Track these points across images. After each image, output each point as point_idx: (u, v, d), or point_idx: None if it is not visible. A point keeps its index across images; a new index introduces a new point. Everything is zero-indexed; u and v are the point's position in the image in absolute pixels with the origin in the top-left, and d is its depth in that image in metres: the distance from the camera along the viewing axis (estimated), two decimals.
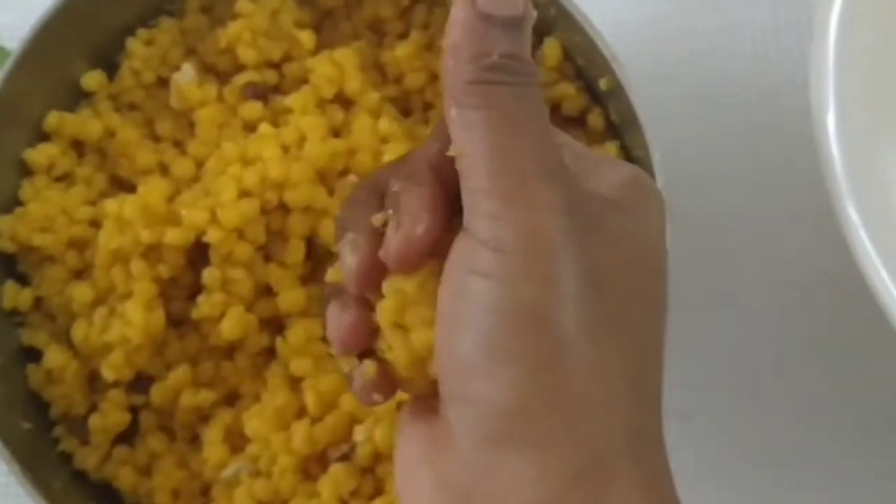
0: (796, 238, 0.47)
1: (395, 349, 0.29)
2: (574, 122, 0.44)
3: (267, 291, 0.42)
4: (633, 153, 0.42)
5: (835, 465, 0.46)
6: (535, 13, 0.28)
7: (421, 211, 0.28)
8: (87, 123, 0.44)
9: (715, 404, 0.47)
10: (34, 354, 0.43)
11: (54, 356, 0.42)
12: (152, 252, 0.41)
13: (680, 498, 0.43)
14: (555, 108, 0.44)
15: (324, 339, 0.41)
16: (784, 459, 0.46)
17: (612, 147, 0.43)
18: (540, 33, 0.44)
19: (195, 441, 0.42)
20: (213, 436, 0.41)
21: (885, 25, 0.42)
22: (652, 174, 0.39)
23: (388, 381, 0.30)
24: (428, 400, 0.30)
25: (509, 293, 0.26)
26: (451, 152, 0.27)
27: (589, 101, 0.44)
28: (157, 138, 0.45)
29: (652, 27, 0.49)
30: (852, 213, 0.39)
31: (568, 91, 0.44)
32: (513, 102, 0.27)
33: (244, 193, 0.41)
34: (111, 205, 0.41)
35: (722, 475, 0.46)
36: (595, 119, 0.44)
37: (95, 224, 0.43)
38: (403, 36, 0.45)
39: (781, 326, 0.47)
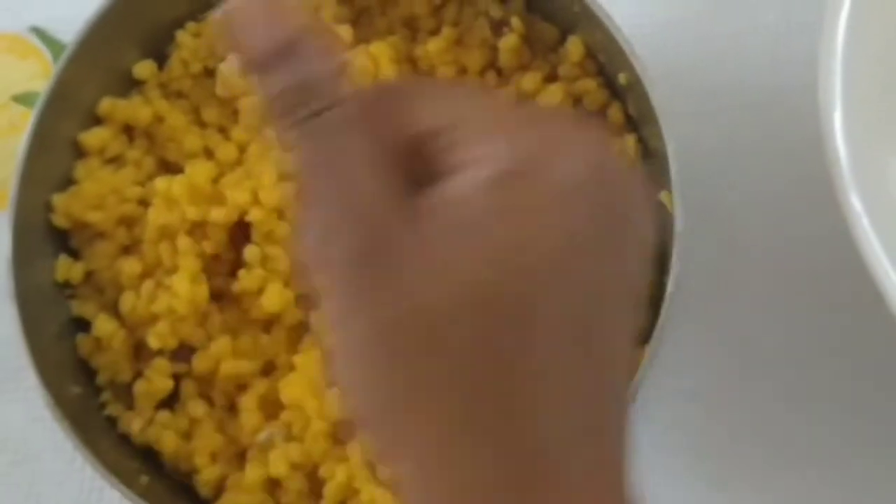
0: (803, 231, 0.49)
1: None
2: (594, 116, 0.47)
3: (304, 269, 0.44)
4: (650, 145, 0.45)
5: (835, 448, 0.48)
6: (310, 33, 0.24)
7: None
8: (137, 109, 0.47)
9: (720, 386, 0.49)
10: (84, 324, 0.46)
11: (103, 326, 0.45)
12: (198, 229, 0.44)
13: (683, 472, 0.46)
14: (576, 102, 0.46)
15: None
16: (785, 440, 0.48)
17: (630, 139, 0.46)
18: (564, 31, 0.47)
19: (233, 408, 0.45)
20: (249, 403, 0.44)
21: (892, 26, 0.44)
22: (667, 163, 0.42)
23: None
24: None
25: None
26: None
27: (609, 96, 0.47)
28: (203, 124, 0.47)
29: (667, 31, 0.51)
30: (855, 203, 0.41)
31: (589, 86, 0.46)
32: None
33: (284, 176, 0.44)
34: (161, 183, 0.44)
35: (725, 453, 0.48)
36: (615, 113, 0.46)
37: (144, 203, 0.45)
38: (435, 32, 0.47)
39: (785, 314, 0.49)
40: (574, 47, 0.46)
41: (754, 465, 0.48)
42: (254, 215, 0.43)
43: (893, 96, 0.44)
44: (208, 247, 0.44)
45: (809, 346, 0.49)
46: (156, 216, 0.44)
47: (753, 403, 0.48)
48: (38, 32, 0.54)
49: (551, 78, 0.47)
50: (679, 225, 0.42)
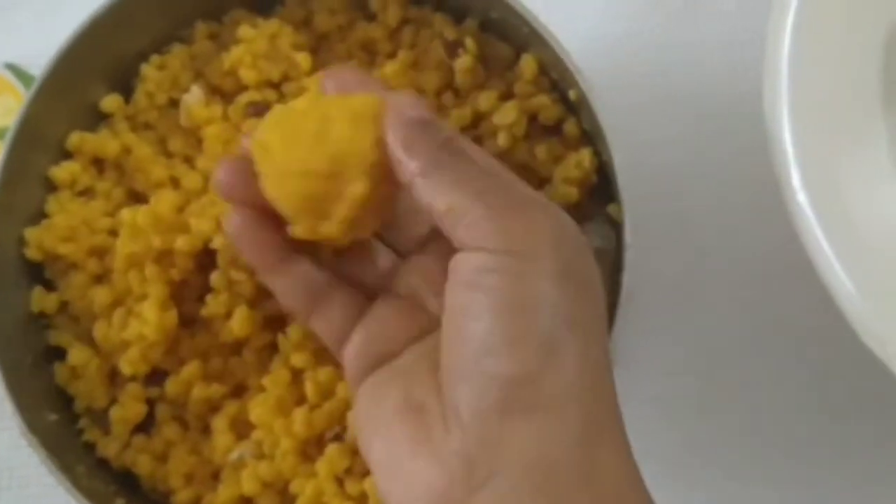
0: (760, 235, 0.50)
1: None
2: (551, 131, 0.48)
3: (269, 292, 0.45)
4: (604, 157, 0.46)
5: (799, 446, 0.49)
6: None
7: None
8: (105, 142, 0.48)
9: (688, 390, 0.50)
10: (60, 353, 0.47)
11: (78, 354, 0.46)
12: (164, 257, 0.45)
13: (658, 473, 0.47)
14: (532, 118, 0.48)
15: None
16: (753, 440, 0.49)
17: (586, 153, 0.47)
18: (518, 49, 0.48)
19: (206, 430, 0.46)
20: (221, 424, 0.45)
21: (837, 29, 0.45)
22: (615, 177, 0.43)
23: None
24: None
25: (522, 285, 0.32)
26: (440, 208, 0.34)
27: (564, 111, 0.48)
28: (169, 154, 0.48)
29: (627, 42, 0.53)
30: (801, 199, 0.42)
31: (544, 102, 0.47)
32: (467, 162, 0.35)
33: None
34: (126, 214, 0.45)
35: (697, 455, 0.50)
36: (570, 127, 0.47)
37: (114, 233, 0.46)
38: (392, 55, 0.48)
39: (748, 318, 0.50)
40: (527, 65, 0.47)
41: (720, 470, 0.49)
42: (218, 242, 0.44)
43: (839, 98, 0.45)
44: (175, 274, 0.45)
45: (772, 350, 0.50)
46: (123, 246, 0.45)
47: (718, 408, 0.50)
48: (13, 69, 0.56)
49: (507, 96, 0.48)
50: (628, 237, 0.43)
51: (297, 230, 0.37)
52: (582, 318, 0.33)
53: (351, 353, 0.38)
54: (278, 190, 0.37)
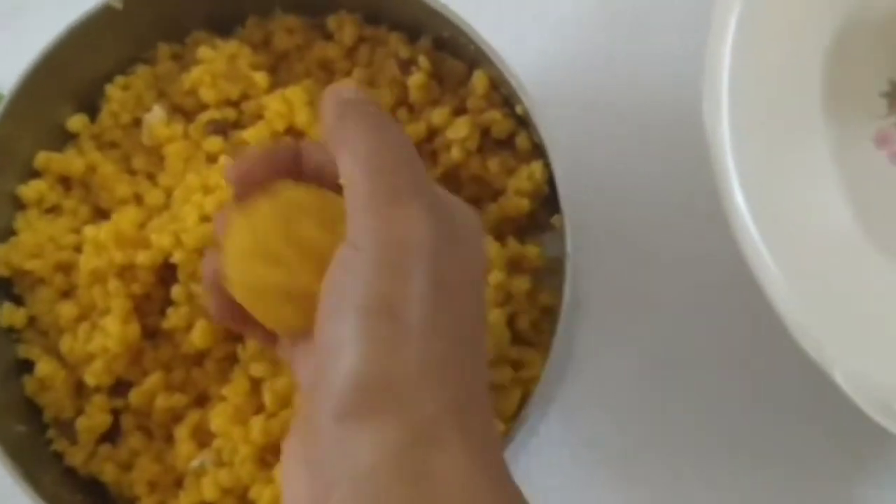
0: (705, 243, 0.51)
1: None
2: (503, 144, 0.49)
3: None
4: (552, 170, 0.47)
5: (748, 447, 0.50)
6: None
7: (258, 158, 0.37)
8: (72, 161, 0.49)
9: (638, 395, 0.51)
10: (29, 366, 0.48)
11: (45, 367, 0.47)
12: (126, 272, 0.47)
13: (609, 476, 0.48)
14: (485, 132, 0.49)
15: None
16: (703, 443, 0.51)
17: (537, 165, 0.48)
18: (470, 66, 0.49)
19: (170, 439, 0.47)
20: (183, 433, 0.46)
21: (775, 45, 0.46)
22: (555, 188, 0.44)
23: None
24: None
25: (364, 285, 0.32)
26: (341, 181, 0.33)
27: (516, 124, 0.49)
28: (132, 172, 0.50)
29: (574, 58, 0.54)
30: (740, 202, 0.43)
31: (496, 117, 0.49)
32: (372, 136, 0.34)
33: (205, 218, 0.46)
34: (89, 231, 0.47)
35: (647, 458, 0.51)
36: (522, 141, 0.49)
37: (80, 250, 0.48)
38: (349, 73, 0.50)
39: (695, 322, 0.51)
40: (479, 81, 0.49)
41: (670, 472, 0.50)
42: (177, 256, 0.46)
43: (778, 107, 0.46)
44: (137, 288, 0.47)
45: (719, 354, 0.51)
46: (86, 262, 0.46)
47: (667, 411, 0.51)
48: None
49: (460, 111, 0.49)
50: (569, 246, 0.44)
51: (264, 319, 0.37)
52: (442, 323, 0.32)
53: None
54: (242, 278, 0.37)
